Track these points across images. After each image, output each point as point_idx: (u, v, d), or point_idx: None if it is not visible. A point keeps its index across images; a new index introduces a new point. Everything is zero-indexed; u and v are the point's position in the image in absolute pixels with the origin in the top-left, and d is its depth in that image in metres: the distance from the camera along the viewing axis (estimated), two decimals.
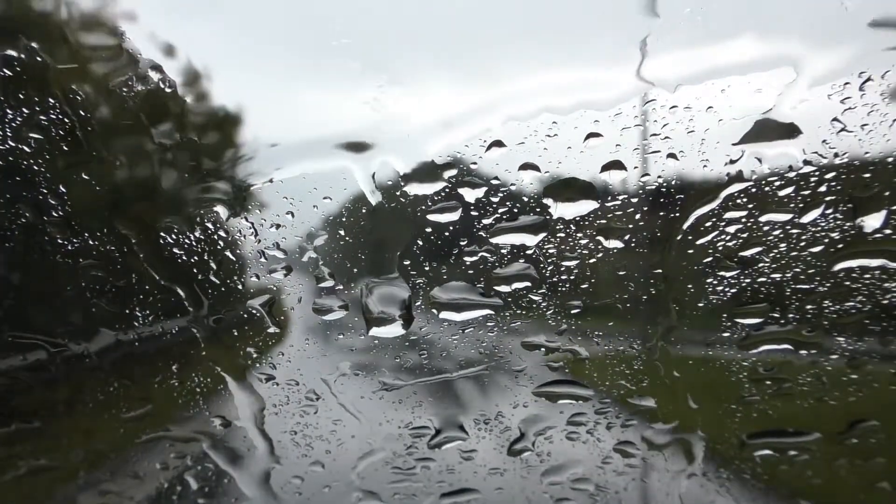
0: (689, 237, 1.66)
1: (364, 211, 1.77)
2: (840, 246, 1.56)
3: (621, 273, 1.76)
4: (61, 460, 2.01)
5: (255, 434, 1.93)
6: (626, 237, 1.69)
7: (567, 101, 1.60)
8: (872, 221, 1.50)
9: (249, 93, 1.88)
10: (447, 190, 1.68)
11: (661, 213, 1.69)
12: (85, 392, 1.97)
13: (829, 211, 1.54)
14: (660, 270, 1.75)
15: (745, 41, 1.53)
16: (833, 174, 1.51)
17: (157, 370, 1.96)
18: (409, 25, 1.75)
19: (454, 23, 1.73)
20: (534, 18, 1.69)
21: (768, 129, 1.53)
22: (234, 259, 1.85)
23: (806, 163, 1.53)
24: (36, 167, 1.73)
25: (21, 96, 1.70)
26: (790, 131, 1.52)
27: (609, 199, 1.66)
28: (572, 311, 1.76)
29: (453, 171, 1.67)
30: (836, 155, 1.50)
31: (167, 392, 1.97)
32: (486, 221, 1.70)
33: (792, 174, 1.54)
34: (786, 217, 1.58)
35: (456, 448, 1.90)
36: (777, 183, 1.56)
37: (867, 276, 1.57)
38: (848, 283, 1.59)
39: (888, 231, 1.50)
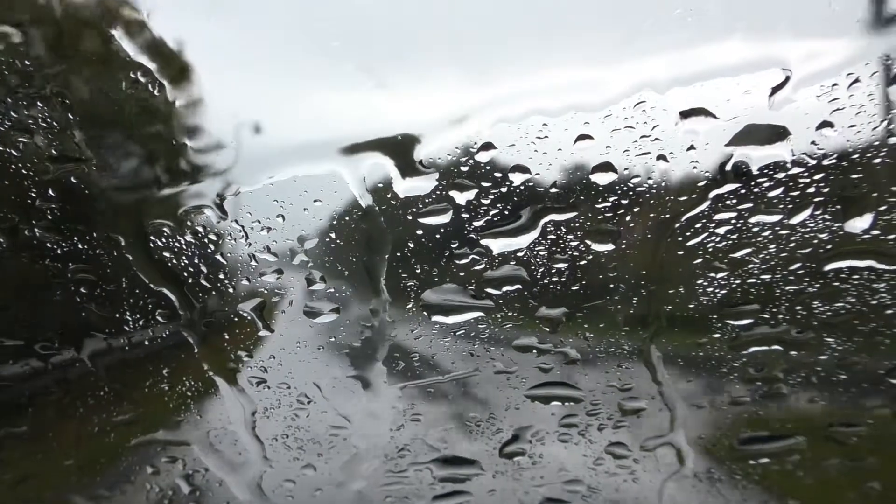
0: (680, 239, 1.66)
1: (355, 213, 1.77)
2: (829, 247, 1.56)
3: (612, 275, 1.76)
4: (51, 465, 2.00)
5: (246, 437, 1.93)
6: (617, 239, 1.69)
7: (557, 102, 1.60)
8: (860, 222, 1.51)
9: (241, 94, 1.87)
10: (438, 192, 1.68)
11: (652, 215, 1.69)
12: (75, 396, 1.97)
13: (818, 212, 1.55)
14: (650, 272, 1.75)
15: (734, 43, 1.53)
16: (822, 175, 1.52)
17: (148, 374, 1.95)
18: (400, 28, 1.75)
19: (444, 26, 1.73)
20: (524, 20, 1.69)
21: (758, 131, 1.54)
22: (224, 262, 1.84)
23: (795, 164, 1.53)
24: (25, 170, 1.73)
25: (9, 99, 1.69)
26: (779, 132, 1.52)
27: (599, 201, 1.66)
28: (563, 313, 1.76)
29: (444, 174, 1.67)
30: (824, 156, 1.51)
31: (158, 396, 1.96)
32: (476, 224, 1.70)
33: (781, 175, 1.55)
34: (775, 218, 1.58)
35: (448, 451, 1.90)
36: (766, 184, 1.56)
37: (856, 276, 1.57)
38: (837, 283, 1.59)
39: (876, 232, 1.51)
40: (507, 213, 1.69)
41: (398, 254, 1.76)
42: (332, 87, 1.78)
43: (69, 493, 2.01)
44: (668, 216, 1.67)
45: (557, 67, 1.65)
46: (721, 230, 1.63)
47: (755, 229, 1.60)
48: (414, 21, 1.76)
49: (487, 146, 1.63)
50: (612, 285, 1.76)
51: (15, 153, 1.70)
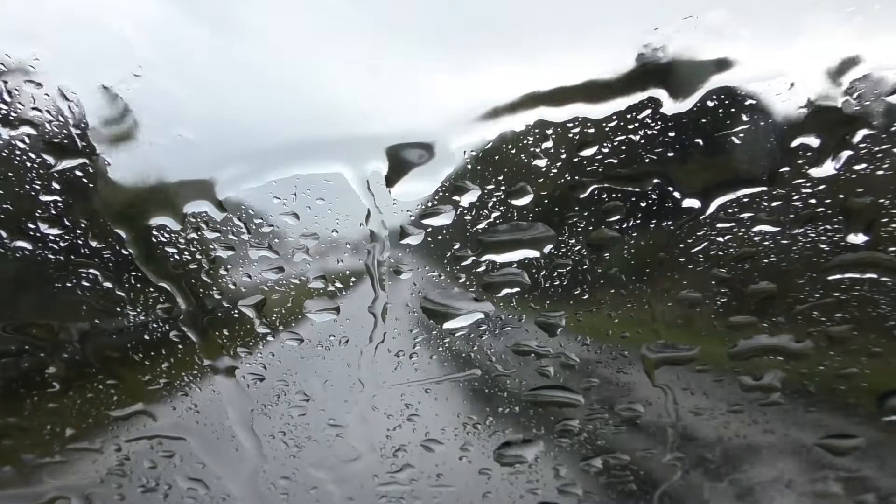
0: (681, 246, 1.66)
1: (356, 213, 1.77)
2: (830, 257, 1.56)
3: (612, 280, 1.76)
4: (48, 458, 2.01)
5: (243, 434, 1.93)
6: (618, 244, 1.69)
7: (562, 107, 1.60)
8: (862, 234, 1.51)
9: (243, 92, 1.87)
10: (440, 193, 1.68)
11: (654, 221, 1.69)
12: (73, 390, 1.97)
13: (820, 222, 1.55)
14: (651, 278, 1.75)
15: (740, 50, 1.53)
16: (824, 186, 1.52)
17: (147, 369, 1.96)
18: (402, 31, 1.75)
19: (448, 27, 1.73)
20: (529, 24, 1.69)
21: (761, 139, 1.53)
22: (225, 259, 1.84)
23: (798, 174, 1.53)
24: (29, 164, 1.73)
25: (16, 91, 1.70)
26: (783, 141, 1.52)
27: (602, 206, 1.66)
28: (563, 317, 1.76)
29: (447, 175, 1.67)
30: (827, 166, 1.50)
31: (157, 391, 1.96)
32: (479, 226, 1.71)
33: (784, 185, 1.55)
34: (777, 228, 1.58)
35: (444, 452, 1.90)
36: (769, 193, 1.56)
37: (857, 287, 1.57)
38: (838, 294, 1.59)
39: (878, 243, 1.51)
40: (508, 216, 1.69)
41: (399, 254, 1.76)
42: (335, 86, 1.78)
43: (67, 487, 2.02)
44: (670, 223, 1.67)
45: (562, 72, 1.65)
46: (722, 238, 1.63)
47: (756, 238, 1.60)
48: (416, 25, 1.76)
49: (491, 151, 1.64)
50: (612, 290, 1.76)
51: (21, 145, 1.71)
